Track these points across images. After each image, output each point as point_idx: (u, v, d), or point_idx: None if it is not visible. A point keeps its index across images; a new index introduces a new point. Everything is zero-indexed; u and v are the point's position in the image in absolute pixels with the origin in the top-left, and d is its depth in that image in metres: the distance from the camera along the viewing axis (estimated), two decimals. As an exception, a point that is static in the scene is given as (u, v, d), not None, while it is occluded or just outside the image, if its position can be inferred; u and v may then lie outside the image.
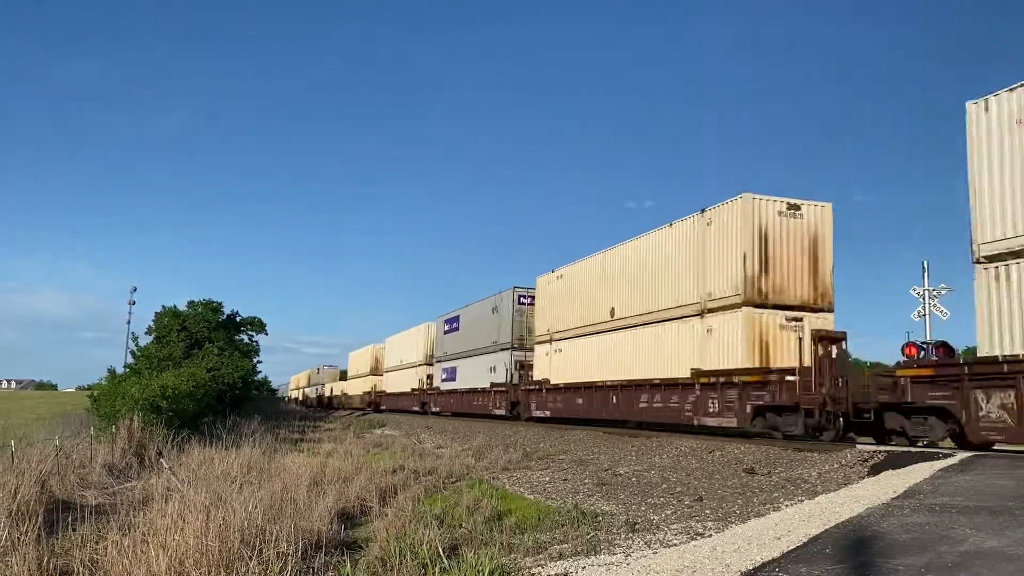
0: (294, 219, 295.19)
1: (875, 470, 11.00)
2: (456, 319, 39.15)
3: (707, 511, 9.75)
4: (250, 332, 39.39)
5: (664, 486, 12.32)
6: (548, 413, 26.25)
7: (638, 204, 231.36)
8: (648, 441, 17.63)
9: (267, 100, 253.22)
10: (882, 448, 12.97)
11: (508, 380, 30.44)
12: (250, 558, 6.82)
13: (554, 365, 26.49)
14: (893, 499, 7.70)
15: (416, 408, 45.63)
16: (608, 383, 22.12)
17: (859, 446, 13.37)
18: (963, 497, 7.54)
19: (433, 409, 42.11)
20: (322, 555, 7.71)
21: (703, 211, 18.45)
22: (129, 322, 50.44)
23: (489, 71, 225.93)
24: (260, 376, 48.91)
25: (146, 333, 35.07)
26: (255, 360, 39.09)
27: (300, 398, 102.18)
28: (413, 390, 46.75)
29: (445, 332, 41.02)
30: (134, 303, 51.13)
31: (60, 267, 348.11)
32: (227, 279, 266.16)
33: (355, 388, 66.43)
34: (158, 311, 35.67)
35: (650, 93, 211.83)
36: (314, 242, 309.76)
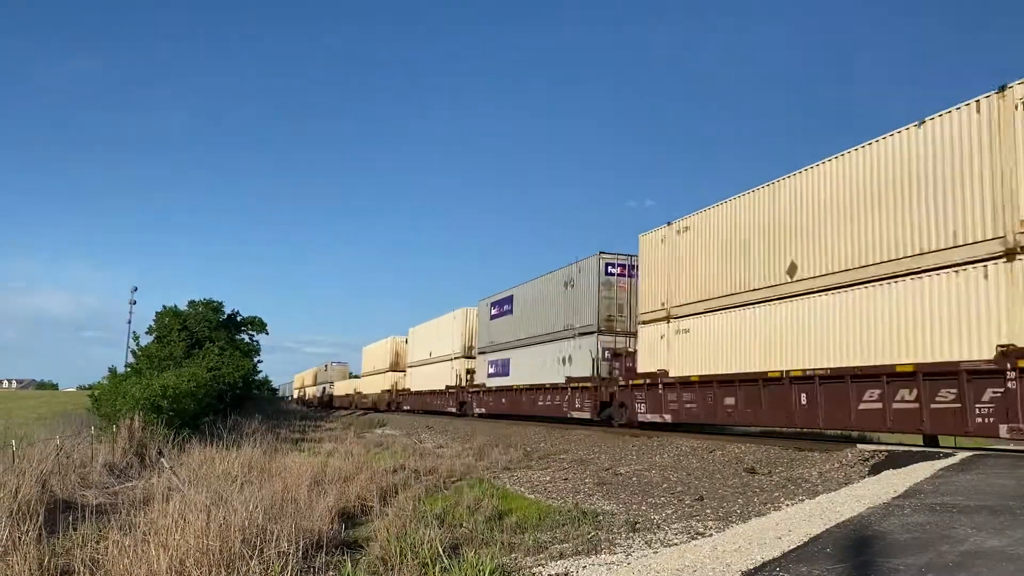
0: (294, 219, 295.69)
1: (876, 469, 11.00)
2: (508, 300, 32.22)
3: (708, 510, 9.75)
4: (251, 332, 39.53)
5: (665, 485, 12.33)
6: (668, 417, 19.48)
7: (639, 203, 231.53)
8: (649, 441, 17.64)
9: (267, 100, 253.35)
10: (883, 447, 12.96)
11: (594, 373, 23.69)
12: (251, 558, 6.83)
13: (675, 351, 19.57)
14: (894, 499, 7.70)
15: (452, 409, 38.03)
16: (793, 375, 15.14)
17: (859, 445, 13.37)
18: (964, 497, 7.53)
19: (476, 410, 34.87)
20: (323, 554, 7.72)
21: (1002, 89, 11.61)
22: (130, 322, 50.83)
23: (489, 71, 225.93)
24: (261, 376, 49.09)
25: (147, 333, 35.27)
26: (256, 360, 39.24)
27: (305, 397, 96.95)
28: (448, 388, 38.92)
29: (492, 317, 33.74)
30: (135, 303, 51.49)
31: (60, 267, 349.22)
32: (228, 278, 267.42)
33: (370, 386, 58.68)
34: (159, 311, 35.89)
35: (651, 93, 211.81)
36: (314, 243, 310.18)
